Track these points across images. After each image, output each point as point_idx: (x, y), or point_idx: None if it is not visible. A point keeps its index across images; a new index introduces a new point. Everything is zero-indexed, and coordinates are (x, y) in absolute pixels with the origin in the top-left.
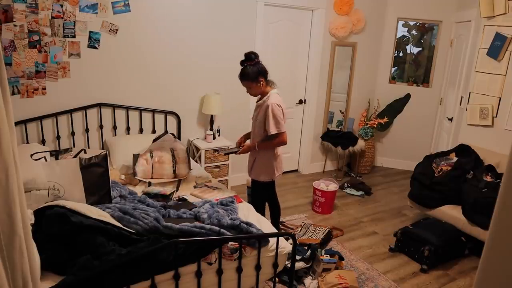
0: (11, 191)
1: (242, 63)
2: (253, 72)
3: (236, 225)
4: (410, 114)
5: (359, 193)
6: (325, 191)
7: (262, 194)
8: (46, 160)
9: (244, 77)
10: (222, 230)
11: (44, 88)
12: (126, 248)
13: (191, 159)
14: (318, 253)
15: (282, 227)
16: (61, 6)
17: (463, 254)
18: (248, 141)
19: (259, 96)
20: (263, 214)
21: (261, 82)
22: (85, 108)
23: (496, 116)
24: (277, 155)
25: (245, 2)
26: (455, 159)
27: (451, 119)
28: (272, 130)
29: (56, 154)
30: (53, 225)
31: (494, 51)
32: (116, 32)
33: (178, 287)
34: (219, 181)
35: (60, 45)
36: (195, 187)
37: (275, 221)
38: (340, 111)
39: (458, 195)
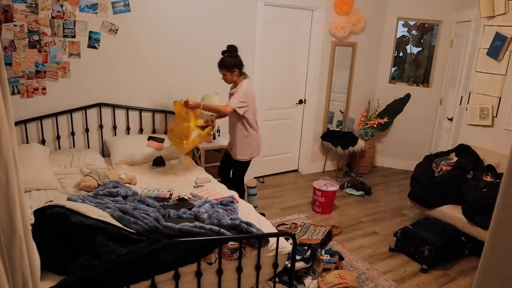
0: (11, 191)
1: (223, 53)
2: (230, 63)
3: (236, 225)
4: (410, 114)
5: (359, 193)
6: (325, 191)
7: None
8: None
9: (221, 65)
10: (222, 230)
11: (44, 88)
12: (126, 248)
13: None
14: (318, 253)
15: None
16: (61, 6)
17: (463, 254)
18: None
19: (232, 84)
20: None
21: (235, 73)
22: (85, 108)
23: (496, 116)
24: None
25: (245, 2)
26: (455, 159)
27: (451, 119)
28: (232, 103)
29: None
30: (53, 225)
31: (494, 51)
32: (116, 32)
33: (178, 287)
34: (219, 181)
35: (60, 45)
36: (194, 187)
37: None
38: (340, 111)
39: (458, 195)
